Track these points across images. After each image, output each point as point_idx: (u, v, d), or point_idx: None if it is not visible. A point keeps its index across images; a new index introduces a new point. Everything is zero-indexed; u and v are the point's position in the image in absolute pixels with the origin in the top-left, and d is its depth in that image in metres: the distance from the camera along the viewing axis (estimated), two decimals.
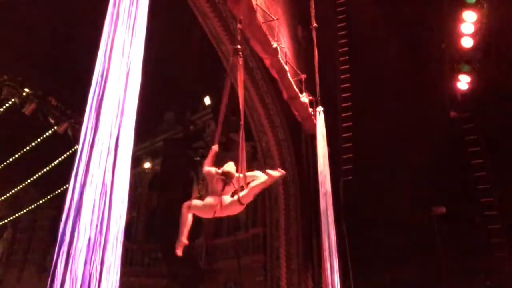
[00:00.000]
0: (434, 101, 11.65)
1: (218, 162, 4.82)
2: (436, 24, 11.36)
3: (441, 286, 10.02)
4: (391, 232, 10.69)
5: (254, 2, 6.16)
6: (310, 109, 7.94)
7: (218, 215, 4.58)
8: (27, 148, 17.24)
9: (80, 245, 2.09)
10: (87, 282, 2.06)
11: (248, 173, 4.61)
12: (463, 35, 10.15)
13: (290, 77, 7.43)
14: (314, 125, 7.63)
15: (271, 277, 12.75)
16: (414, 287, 10.29)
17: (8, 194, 20.63)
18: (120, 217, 2.27)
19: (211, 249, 16.05)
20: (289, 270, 12.28)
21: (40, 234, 21.80)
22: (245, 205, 4.56)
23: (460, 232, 10.64)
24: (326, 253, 6.30)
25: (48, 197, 19.75)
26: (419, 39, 12.05)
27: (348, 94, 12.96)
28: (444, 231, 10.32)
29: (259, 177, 4.62)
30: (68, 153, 16.51)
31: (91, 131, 2.32)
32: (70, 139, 14.67)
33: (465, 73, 10.75)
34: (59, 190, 18.02)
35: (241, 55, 4.96)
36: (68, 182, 2.23)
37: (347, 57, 13.18)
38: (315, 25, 8.04)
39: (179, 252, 4.61)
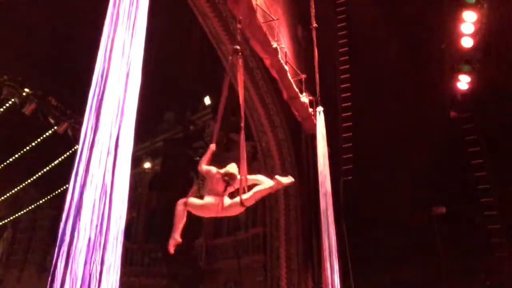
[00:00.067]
0: (434, 101, 11.65)
1: (219, 162, 4.81)
2: (436, 24, 11.36)
3: (441, 286, 10.01)
4: (391, 232, 10.69)
5: (254, 2, 6.15)
6: (310, 109, 7.94)
7: (218, 215, 4.58)
8: (27, 148, 17.21)
9: (80, 245, 2.09)
10: (87, 282, 2.06)
11: (250, 176, 4.60)
12: (463, 35, 10.15)
13: (290, 77, 7.42)
14: (314, 125, 7.62)
15: (271, 277, 12.73)
16: (414, 287, 10.29)
17: (8, 194, 20.60)
18: (120, 217, 2.27)
19: (211, 249, 16.05)
20: (289, 270, 12.26)
21: (40, 234, 21.80)
22: (245, 207, 4.56)
23: (460, 232, 10.64)
24: (326, 253, 6.30)
25: (48, 197, 19.73)
26: (419, 39, 12.05)
27: (348, 94, 12.96)
28: (444, 231, 10.32)
29: (263, 182, 4.61)
30: (68, 153, 16.49)
31: (91, 131, 2.32)
32: (70, 139, 14.62)
33: (465, 73, 10.75)
34: (59, 190, 18.02)
35: (241, 55, 4.95)
36: (68, 182, 2.23)
37: (347, 57, 13.17)
38: (315, 25, 8.04)
39: (171, 249, 4.60)
